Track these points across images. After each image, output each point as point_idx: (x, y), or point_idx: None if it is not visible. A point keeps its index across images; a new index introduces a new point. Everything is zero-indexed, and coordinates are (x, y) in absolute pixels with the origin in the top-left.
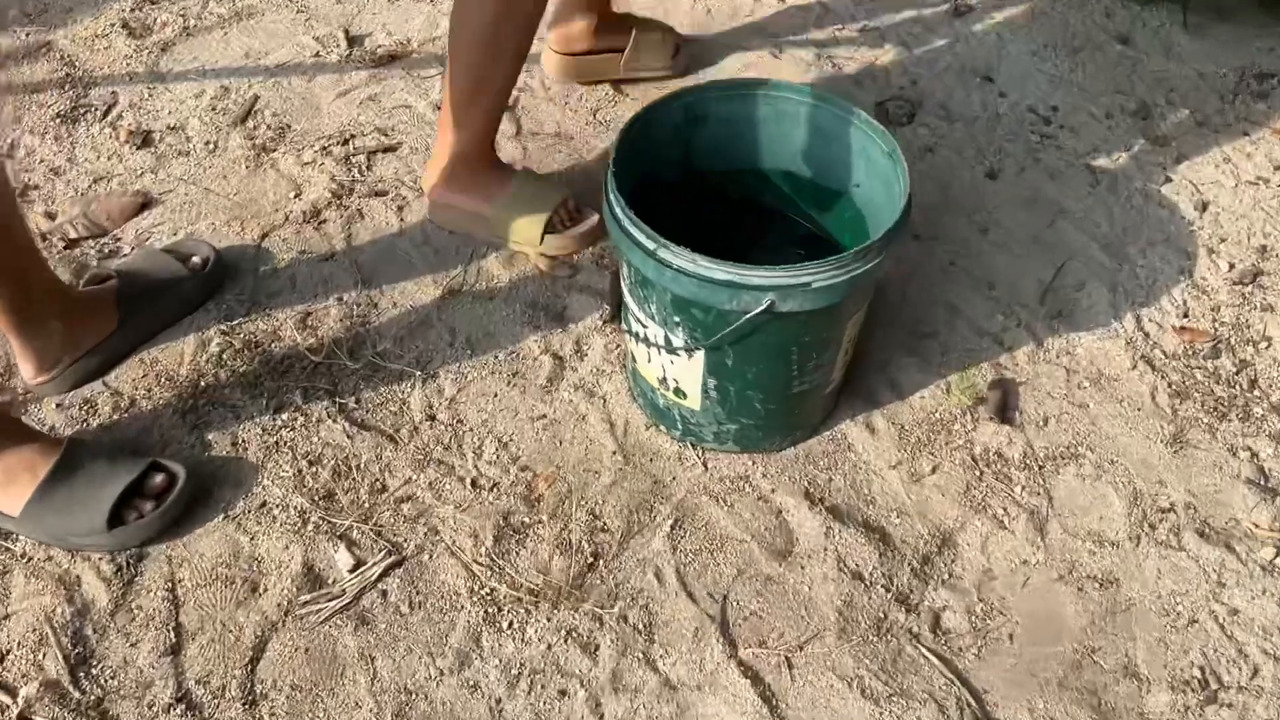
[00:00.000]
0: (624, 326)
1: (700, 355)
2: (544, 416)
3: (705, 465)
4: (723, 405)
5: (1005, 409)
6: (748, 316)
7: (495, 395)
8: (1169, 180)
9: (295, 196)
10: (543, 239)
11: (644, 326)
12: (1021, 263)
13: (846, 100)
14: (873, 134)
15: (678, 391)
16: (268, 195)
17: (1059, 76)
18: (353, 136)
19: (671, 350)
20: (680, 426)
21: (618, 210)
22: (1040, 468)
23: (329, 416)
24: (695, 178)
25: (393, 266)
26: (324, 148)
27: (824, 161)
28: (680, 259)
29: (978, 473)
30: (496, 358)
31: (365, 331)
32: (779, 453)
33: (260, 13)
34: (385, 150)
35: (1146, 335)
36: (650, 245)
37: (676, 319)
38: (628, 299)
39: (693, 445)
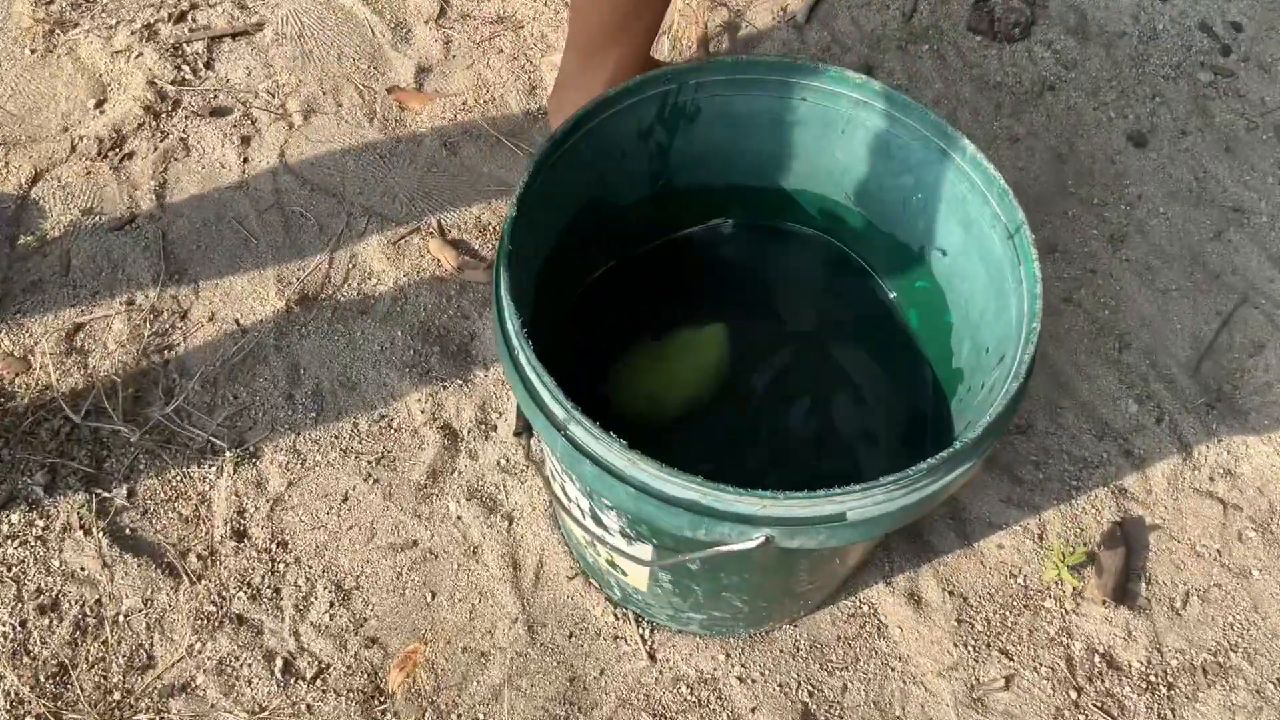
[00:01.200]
0: (535, 457)
1: (650, 548)
2: (414, 544)
3: (653, 655)
4: (683, 598)
5: (1125, 577)
6: (727, 550)
7: (344, 499)
8: None
9: (95, 109)
10: None
11: (564, 494)
12: (1171, 302)
13: (940, 117)
14: (984, 187)
15: (614, 565)
16: (54, 105)
17: None
18: (194, 7)
19: (604, 529)
20: (619, 591)
21: (509, 326)
22: (1169, 689)
23: (82, 525)
24: (674, 198)
25: (220, 247)
26: (148, 25)
27: (889, 202)
28: (609, 451)
29: (1073, 692)
30: (355, 426)
31: (161, 365)
32: (767, 636)
33: None
34: (238, 35)
35: None
36: (558, 413)
37: (610, 508)
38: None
39: (636, 619)
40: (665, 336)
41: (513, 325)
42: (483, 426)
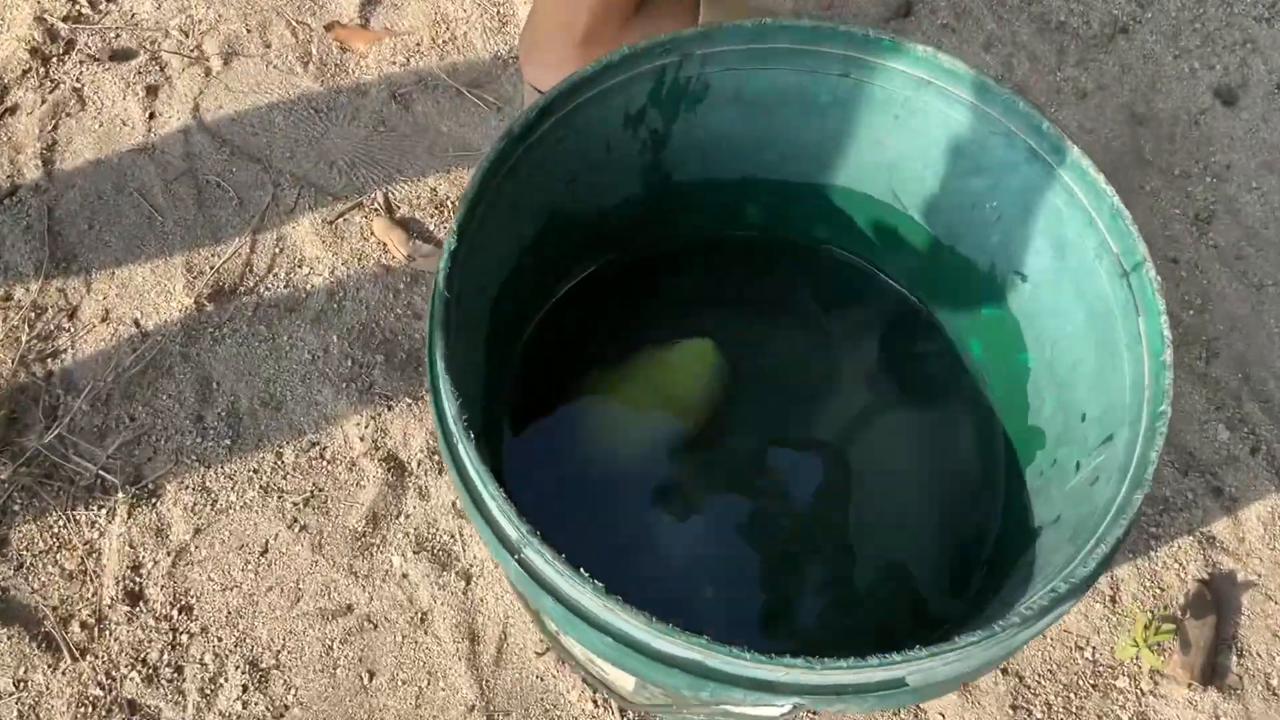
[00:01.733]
0: None
1: (634, 681)
2: (349, 610)
3: None
4: (682, 712)
5: (1214, 652)
6: (739, 711)
7: (264, 551)
8: None
9: None
10: None
11: None
12: (1268, 300)
13: (1034, 108)
14: (1090, 205)
15: (594, 659)
16: None
17: None
18: None
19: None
20: (601, 684)
21: (446, 409)
22: None
23: None
24: (668, 197)
25: (118, 226)
26: None
27: (953, 207)
28: (578, 592)
29: None
30: (280, 457)
31: (43, 378)
32: None
33: None
34: None
35: None
36: (510, 533)
37: None
38: None
39: (621, 710)
40: (633, 355)
41: (451, 409)
42: (436, 457)
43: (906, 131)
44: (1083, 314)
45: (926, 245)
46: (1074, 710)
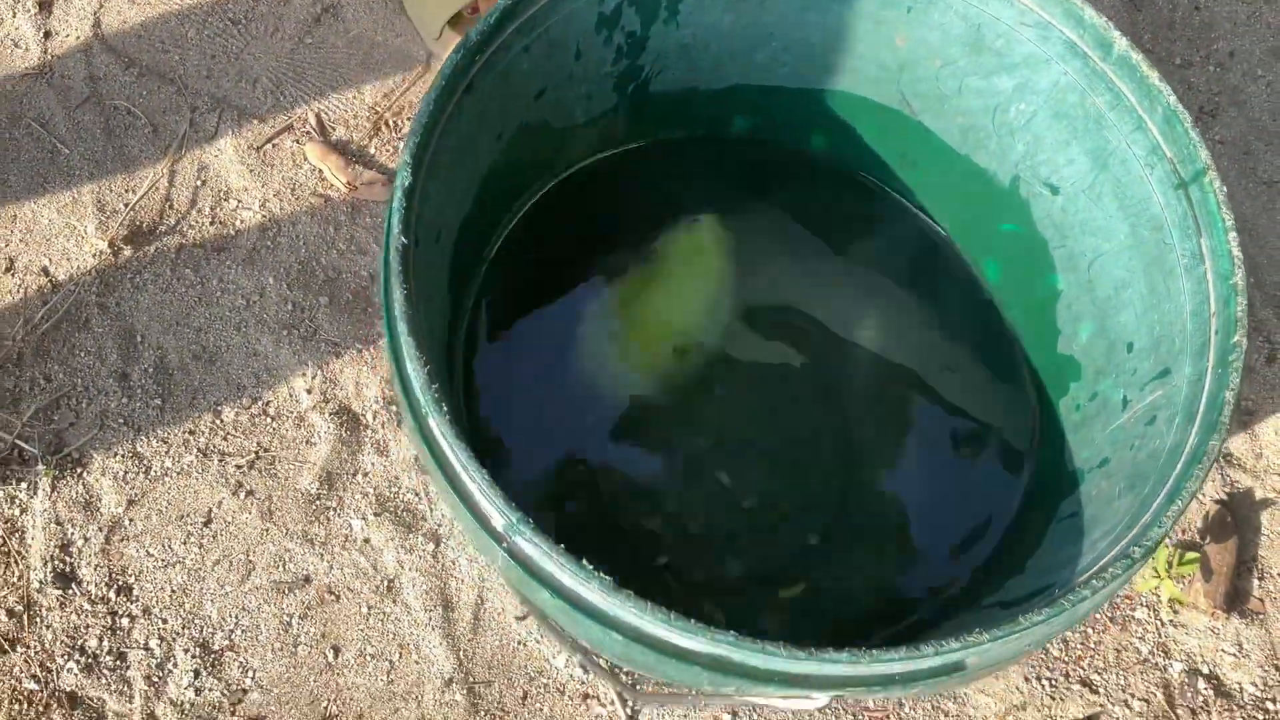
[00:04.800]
0: None
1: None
2: (307, 581)
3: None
4: None
5: (1235, 577)
6: (768, 704)
7: (207, 521)
8: None
9: None
10: (442, 31)
11: None
12: (1277, 197)
13: None
14: (1141, 105)
15: None
16: None
17: None
18: None
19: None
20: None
21: (411, 378)
22: None
23: None
24: (646, 108)
25: (16, 163)
26: None
27: (971, 111)
28: (584, 587)
29: None
30: (218, 416)
31: None
32: None
33: None
34: None
35: None
36: (495, 520)
37: None
38: None
39: (612, 669)
40: (644, 252)
41: (418, 378)
42: (394, 408)
43: (922, 26)
44: (1127, 229)
45: (938, 155)
46: (1091, 645)
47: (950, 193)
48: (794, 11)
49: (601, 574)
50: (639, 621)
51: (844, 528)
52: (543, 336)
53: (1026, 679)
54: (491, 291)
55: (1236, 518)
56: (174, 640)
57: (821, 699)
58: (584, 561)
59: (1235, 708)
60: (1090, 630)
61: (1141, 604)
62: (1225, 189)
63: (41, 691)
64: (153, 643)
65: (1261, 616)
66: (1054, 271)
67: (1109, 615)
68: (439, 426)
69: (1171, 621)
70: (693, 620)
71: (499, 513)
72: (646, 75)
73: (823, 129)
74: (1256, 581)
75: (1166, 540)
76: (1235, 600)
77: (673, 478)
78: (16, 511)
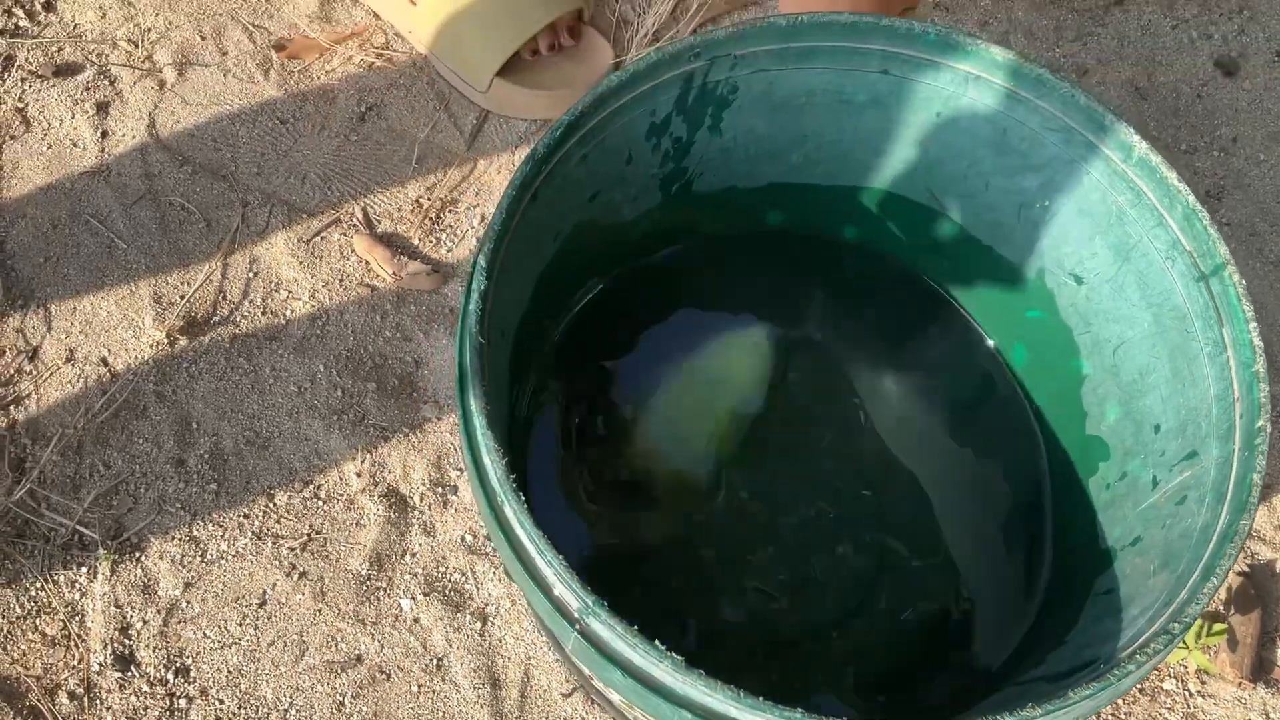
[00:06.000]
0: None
1: None
2: (359, 660)
3: None
4: None
5: (1260, 647)
6: None
7: (262, 603)
8: None
9: None
10: (492, 82)
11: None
12: None
13: (1094, 100)
14: (1160, 203)
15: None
16: None
17: None
18: None
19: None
20: None
21: (488, 467)
22: None
23: None
24: (688, 205)
25: (76, 257)
26: None
27: (998, 207)
28: (654, 667)
29: None
30: (271, 500)
31: (6, 428)
32: None
33: None
34: None
35: None
36: (571, 602)
37: None
38: None
39: None
40: (686, 360)
41: (494, 468)
42: (440, 489)
43: (950, 129)
44: (1150, 319)
45: (966, 247)
46: (1122, 716)
47: (977, 281)
48: (827, 119)
49: (673, 654)
50: (711, 701)
51: (884, 607)
52: (594, 423)
53: None
54: (546, 381)
55: (1259, 589)
56: None
57: None
58: (656, 642)
59: None
60: (1121, 702)
61: (1170, 675)
62: (1244, 281)
63: None
64: None
65: None
66: (1079, 356)
67: (1139, 688)
68: (515, 514)
69: (1199, 692)
70: (768, 702)
71: (574, 596)
72: (690, 176)
73: (854, 222)
74: None
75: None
76: (1261, 670)
77: (717, 559)
78: (77, 595)
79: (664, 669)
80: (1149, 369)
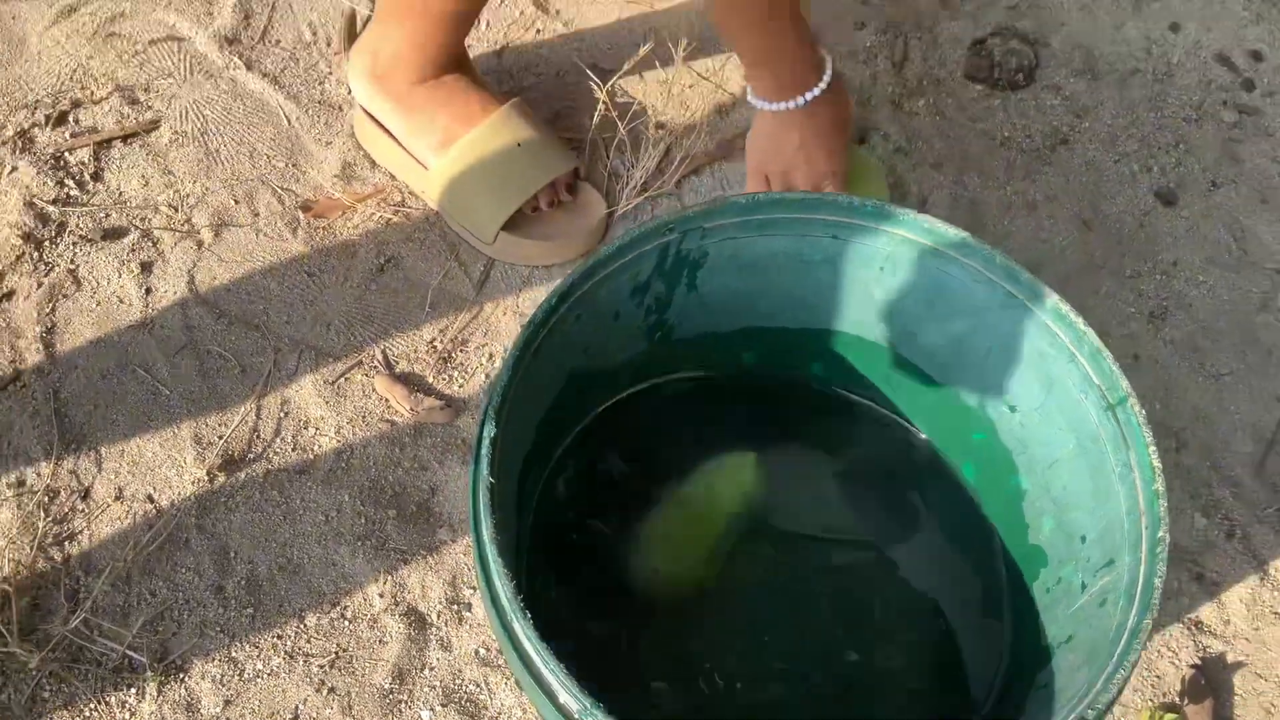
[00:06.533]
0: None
1: None
2: None
3: None
4: None
5: None
6: None
7: (294, 716)
8: None
9: None
10: (498, 235)
11: None
12: (1225, 389)
13: (1012, 261)
14: (1073, 345)
15: None
16: None
17: None
18: (75, 105)
19: None
20: None
21: (499, 591)
22: None
23: None
24: (671, 349)
25: (124, 404)
26: (22, 132)
27: (940, 348)
28: None
29: None
30: (302, 621)
31: (62, 562)
32: None
33: None
34: (129, 136)
35: None
36: (571, 705)
37: None
38: None
39: None
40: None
41: (506, 591)
42: (455, 607)
43: (891, 281)
44: (1073, 442)
45: (915, 379)
46: None
47: (928, 409)
48: (789, 274)
49: None
50: None
51: (847, 709)
52: (588, 546)
53: None
54: (547, 507)
55: (1211, 680)
56: None
57: None
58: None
59: None
60: None
61: None
62: (1145, 411)
63: None
64: None
65: None
66: (1018, 474)
67: None
68: (523, 630)
69: None
70: None
71: (574, 699)
72: (670, 325)
73: (819, 360)
74: None
75: (1150, 702)
76: None
77: (700, 663)
78: (127, 715)
79: None
80: (1075, 486)
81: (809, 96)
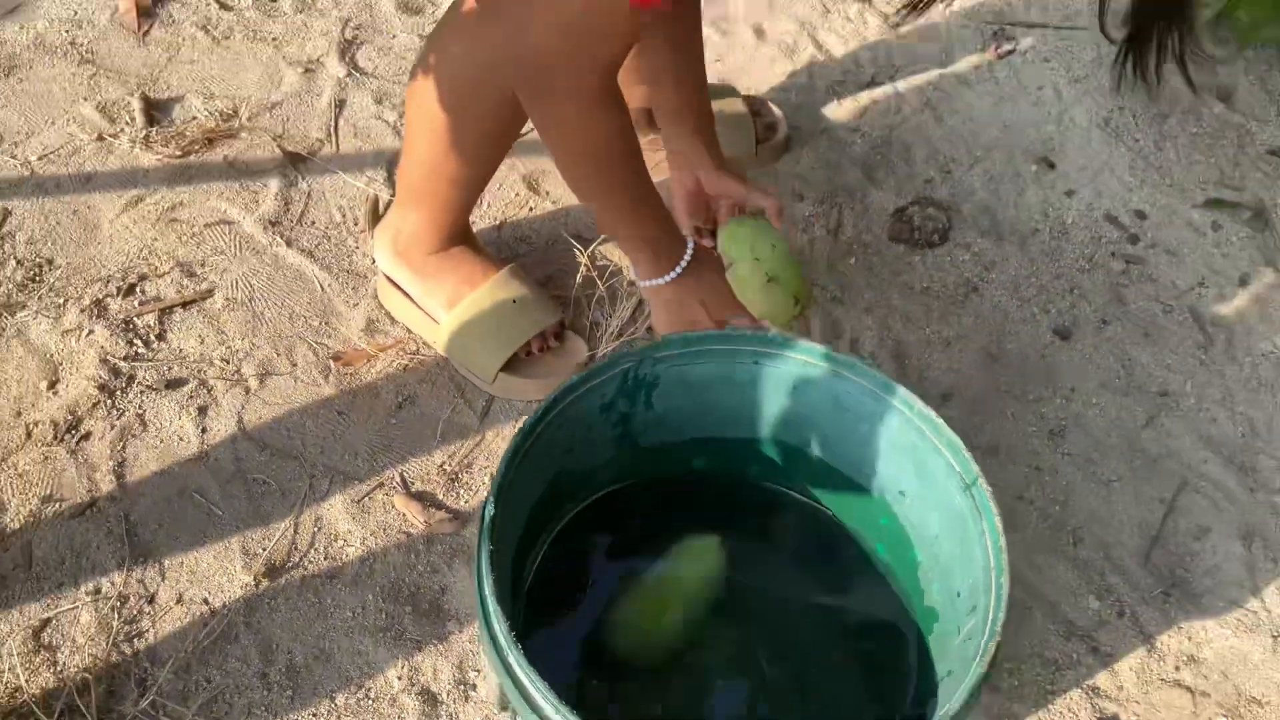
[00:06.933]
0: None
1: None
2: None
3: None
4: None
5: None
6: None
7: None
8: None
9: (49, 391)
10: (497, 376)
11: None
12: (1115, 494)
13: (884, 375)
14: (935, 438)
15: None
16: (5, 390)
17: (1142, 159)
18: (142, 279)
19: None
20: None
21: (497, 630)
22: None
23: None
24: (637, 455)
25: (184, 524)
26: (97, 301)
27: (846, 445)
28: None
29: None
30: (333, 701)
31: (132, 655)
32: None
33: (25, 64)
34: (188, 303)
35: None
36: (552, 714)
37: None
38: None
39: None
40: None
41: (501, 630)
42: (462, 686)
43: (803, 395)
44: (945, 519)
45: (833, 476)
46: None
47: (846, 499)
48: (723, 392)
49: None
50: None
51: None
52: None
53: None
54: (536, 586)
55: None
56: None
57: None
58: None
59: None
60: None
61: None
62: (991, 489)
63: None
64: None
65: None
66: (914, 549)
67: None
68: (516, 660)
69: None
70: None
71: (557, 715)
72: (634, 436)
73: (755, 462)
74: None
75: None
76: None
77: (664, 685)
78: None
79: None
80: (950, 552)
81: (681, 266)
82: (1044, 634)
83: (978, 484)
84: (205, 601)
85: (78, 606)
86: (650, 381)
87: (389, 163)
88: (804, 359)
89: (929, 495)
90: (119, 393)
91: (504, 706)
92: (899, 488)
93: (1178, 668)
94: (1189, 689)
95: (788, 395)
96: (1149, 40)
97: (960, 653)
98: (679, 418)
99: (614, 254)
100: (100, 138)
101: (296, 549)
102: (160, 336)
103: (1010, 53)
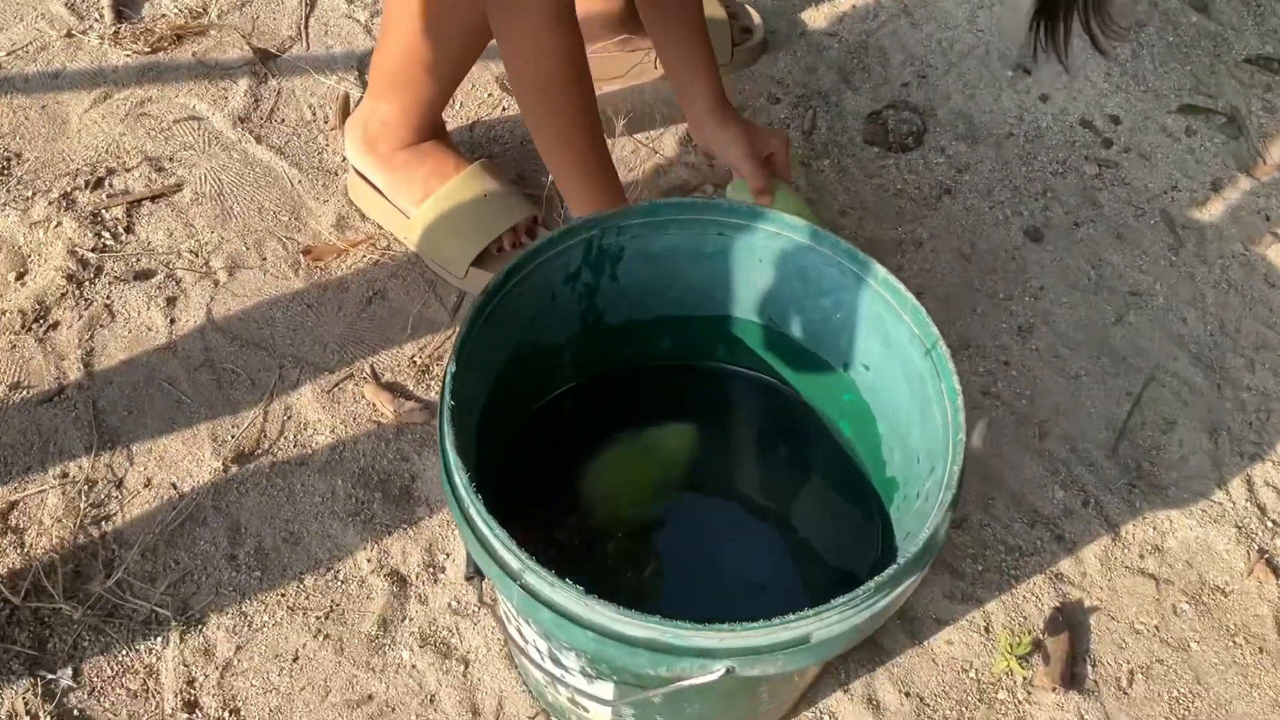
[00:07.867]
0: (487, 599)
1: (611, 686)
2: (370, 698)
3: None
4: None
5: (1072, 661)
6: (689, 683)
7: (295, 658)
8: (1277, 237)
9: (16, 281)
10: (468, 270)
11: (520, 637)
12: (1083, 388)
13: (851, 245)
14: (899, 307)
15: (576, 703)
16: None
17: (1118, 67)
18: (110, 172)
19: (564, 669)
20: None
21: (457, 481)
22: None
23: (28, 710)
24: (603, 335)
25: (152, 411)
26: (65, 194)
27: (811, 322)
28: (564, 597)
29: None
30: (301, 582)
31: (99, 537)
32: None
33: None
34: (156, 196)
35: (1263, 511)
36: (512, 563)
37: (569, 649)
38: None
39: None
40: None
41: (460, 480)
42: (431, 569)
43: (769, 269)
44: (906, 385)
45: (799, 353)
46: None
47: (811, 377)
48: (688, 266)
49: (578, 586)
50: (602, 619)
51: (758, 585)
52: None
53: None
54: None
55: (1069, 619)
56: None
57: (720, 670)
58: (566, 580)
59: None
60: (964, 709)
61: (1002, 687)
62: (949, 351)
63: None
64: None
65: (1096, 693)
66: (876, 423)
67: (978, 698)
68: (473, 506)
69: (1026, 700)
70: (632, 610)
71: (514, 558)
72: (600, 311)
73: (723, 343)
74: (1090, 668)
75: (1013, 630)
76: (1073, 681)
77: (635, 552)
78: (154, 659)
79: (572, 597)
80: (911, 420)
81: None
82: (1008, 521)
83: (937, 347)
84: (174, 486)
85: (45, 490)
86: (615, 253)
87: (360, 62)
88: (769, 229)
89: (893, 365)
90: (87, 283)
91: (470, 575)
92: (864, 361)
93: (1142, 556)
94: (1153, 576)
95: (754, 268)
96: (1056, 16)
97: (919, 515)
98: (644, 292)
99: None
100: (69, 34)
101: (266, 436)
102: (128, 229)
103: None
